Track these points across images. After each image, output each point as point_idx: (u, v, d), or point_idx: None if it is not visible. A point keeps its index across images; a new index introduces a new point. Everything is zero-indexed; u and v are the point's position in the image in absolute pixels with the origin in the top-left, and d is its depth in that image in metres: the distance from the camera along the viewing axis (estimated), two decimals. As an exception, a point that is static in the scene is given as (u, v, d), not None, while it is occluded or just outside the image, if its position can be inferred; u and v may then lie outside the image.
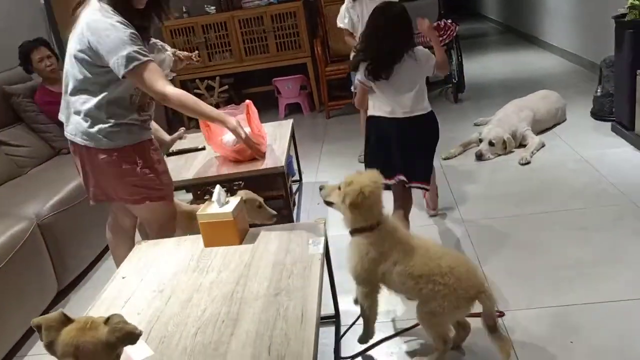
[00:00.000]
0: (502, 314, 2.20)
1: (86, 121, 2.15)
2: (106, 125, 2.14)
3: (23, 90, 3.74)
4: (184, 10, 5.71)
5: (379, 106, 2.71)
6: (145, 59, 2.02)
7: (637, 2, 3.48)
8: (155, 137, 2.44)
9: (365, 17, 3.66)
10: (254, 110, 3.05)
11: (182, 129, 3.65)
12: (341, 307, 2.36)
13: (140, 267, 2.03)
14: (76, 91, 2.15)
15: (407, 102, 2.66)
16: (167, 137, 3.50)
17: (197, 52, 2.83)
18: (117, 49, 1.98)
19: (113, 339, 1.21)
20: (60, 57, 4.19)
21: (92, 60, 2.06)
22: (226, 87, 5.78)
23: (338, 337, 2.22)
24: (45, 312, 2.67)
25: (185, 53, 2.73)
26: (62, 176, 3.18)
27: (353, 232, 1.94)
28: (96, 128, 2.14)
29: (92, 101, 2.13)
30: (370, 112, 2.77)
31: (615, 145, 3.71)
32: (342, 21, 3.89)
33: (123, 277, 1.97)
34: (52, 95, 3.76)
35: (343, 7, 3.90)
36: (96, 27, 2.01)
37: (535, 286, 2.36)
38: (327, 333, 2.24)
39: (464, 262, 1.87)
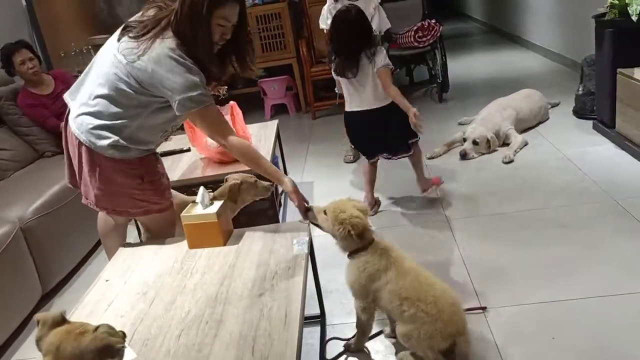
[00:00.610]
0: (484, 308, 2.22)
1: (99, 130, 2.02)
2: (121, 142, 2.03)
3: (5, 93, 3.71)
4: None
5: (349, 101, 3.14)
6: (210, 101, 1.99)
7: (616, 2, 3.53)
8: None
9: None
10: (238, 111, 3.05)
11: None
12: (326, 307, 2.37)
13: (124, 270, 2.02)
14: (107, 97, 2.01)
15: (369, 99, 3.05)
16: None
17: (226, 87, 2.84)
18: (188, 89, 1.92)
19: (91, 348, 1.22)
20: (42, 59, 4.17)
21: (140, 83, 1.97)
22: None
23: (323, 337, 2.23)
24: (29, 316, 2.65)
25: (213, 84, 2.72)
26: (45, 179, 3.16)
27: (350, 255, 1.99)
28: (108, 140, 2.02)
29: (121, 118, 2.02)
30: (346, 108, 3.19)
31: (597, 143, 3.75)
32: (324, 22, 3.87)
33: (106, 280, 1.96)
34: (35, 97, 3.74)
35: (325, 8, 3.88)
36: (170, 63, 1.92)
37: (517, 283, 2.39)
38: (313, 333, 2.25)
39: (450, 298, 1.89)
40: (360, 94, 3.05)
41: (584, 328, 2.05)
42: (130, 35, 2.00)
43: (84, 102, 2.07)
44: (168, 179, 2.32)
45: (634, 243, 2.53)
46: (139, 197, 2.14)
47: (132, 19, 2.08)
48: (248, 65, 2.23)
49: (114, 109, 2.02)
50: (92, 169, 2.09)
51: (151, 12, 2.04)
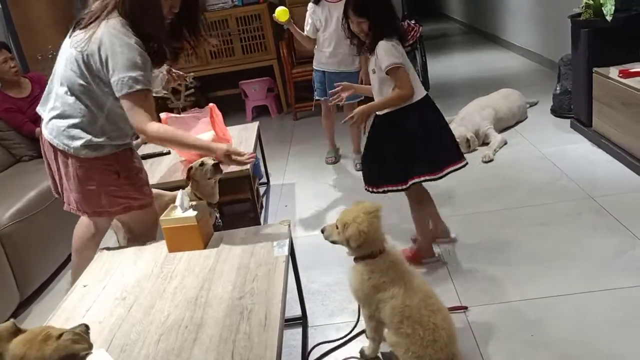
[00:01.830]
0: (465, 308, 2.24)
1: (71, 129, 2.04)
2: (94, 140, 2.04)
3: (-20, 97, 3.65)
4: (147, 13, 5.63)
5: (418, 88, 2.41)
6: (148, 88, 1.96)
7: (591, 2, 3.58)
8: None
9: (330, 21, 3.67)
10: (217, 113, 3.04)
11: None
12: (308, 309, 2.37)
13: (102, 275, 2.00)
14: (69, 95, 2.03)
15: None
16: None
17: (192, 74, 2.80)
18: (127, 68, 1.91)
19: (55, 357, 1.20)
20: (19, 62, 4.11)
21: (96, 69, 1.97)
22: (192, 90, 5.73)
23: (305, 339, 2.23)
24: (7, 323, 2.61)
25: (180, 73, 2.68)
26: (22, 184, 3.12)
27: (356, 259, 1.93)
28: (81, 140, 2.03)
29: (87, 113, 2.03)
30: (415, 98, 2.39)
31: (575, 141, 3.80)
32: (305, 27, 3.82)
33: (84, 286, 1.94)
34: (11, 101, 3.68)
35: (307, 13, 3.83)
36: (112, 41, 1.92)
37: (497, 281, 2.41)
38: (295, 335, 2.25)
39: (449, 327, 1.87)
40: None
41: (562, 325, 2.08)
42: (80, 27, 2.01)
43: (52, 107, 2.09)
44: (146, 174, 2.31)
45: (611, 240, 2.57)
46: (117, 193, 2.14)
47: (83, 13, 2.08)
48: (203, 38, 2.21)
49: (79, 105, 2.02)
50: (69, 173, 2.10)
51: (97, 3, 2.04)
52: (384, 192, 2.48)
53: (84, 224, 2.37)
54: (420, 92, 2.42)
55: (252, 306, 1.66)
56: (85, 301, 1.85)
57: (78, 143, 2.03)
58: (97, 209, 2.16)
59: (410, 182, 2.42)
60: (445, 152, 2.48)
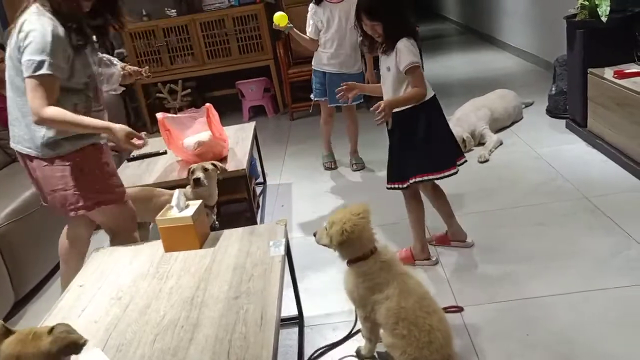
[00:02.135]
0: (461, 309, 2.24)
1: (28, 129, 2.11)
2: (50, 134, 2.10)
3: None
4: (144, 13, 5.63)
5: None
6: (55, 74, 1.99)
7: (586, 3, 3.60)
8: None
9: (332, 21, 3.65)
10: (214, 113, 3.04)
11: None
12: (304, 308, 2.37)
13: (98, 275, 2.00)
14: (17, 98, 2.10)
15: None
16: None
17: (147, 67, 2.80)
18: (35, 51, 1.95)
19: (55, 349, 1.20)
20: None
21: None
22: (189, 90, 5.73)
23: (301, 339, 2.23)
24: (2, 324, 2.60)
25: (135, 68, 2.69)
26: (17, 184, 3.11)
27: (349, 263, 1.93)
28: (39, 137, 2.10)
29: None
30: (427, 97, 2.43)
31: (570, 141, 3.82)
32: (307, 29, 3.80)
33: (80, 286, 1.94)
34: (2, 100, 3.67)
35: (308, 14, 3.78)
36: (28, 25, 1.98)
37: (493, 281, 2.42)
38: (291, 334, 2.25)
39: (444, 328, 1.87)
40: None
41: (557, 324, 2.09)
42: (12, 29, 2.08)
43: (13, 117, 2.17)
44: (114, 168, 2.34)
45: (606, 240, 2.58)
46: (85, 189, 2.18)
47: None
48: (125, 19, 2.26)
49: (27, 107, 2.04)
50: (38, 176, 2.19)
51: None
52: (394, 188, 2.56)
53: (64, 233, 2.42)
54: (430, 92, 2.46)
55: (248, 306, 1.66)
56: (81, 301, 1.85)
57: (38, 142, 2.10)
58: (70, 206, 2.19)
59: (411, 181, 2.46)
60: (449, 152, 2.55)
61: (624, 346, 1.93)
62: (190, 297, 1.76)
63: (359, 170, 3.95)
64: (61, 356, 1.23)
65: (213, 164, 2.67)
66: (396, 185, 2.54)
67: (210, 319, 1.63)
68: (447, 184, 2.92)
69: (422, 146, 2.46)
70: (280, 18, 3.48)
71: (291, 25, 3.55)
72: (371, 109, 2.32)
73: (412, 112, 2.42)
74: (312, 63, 3.84)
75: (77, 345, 1.25)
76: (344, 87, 2.62)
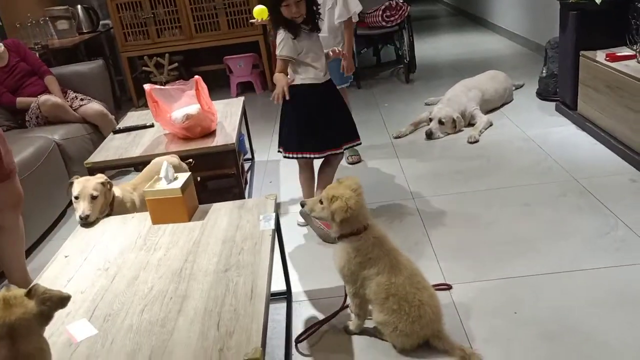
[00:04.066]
0: (449, 287, 2.25)
1: None
2: None
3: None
4: (131, -17, 5.50)
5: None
6: None
7: (581, -15, 3.57)
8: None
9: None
10: (203, 86, 2.98)
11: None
12: (292, 284, 2.36)
13: (84, 246, 1.96)
14: None
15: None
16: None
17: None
18: None
19: (46, 309, 1.17)
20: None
21: None
22: (176, 64, 5.64)
23: (289, 314, 2.22)
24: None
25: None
26: None
27: (340, 237, 1.91)
28: None
29: None
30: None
31: (559, 124, 3.83)
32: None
33: (66, 256, 1.90)
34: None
35: None
36: None
37: (481, 260, 2.42)
38: (279, 309, 2.24)
39: (434, 304, 1.88)
40: None
41: (545, 303, 2.10)
42: None
43: None
44: (7, 145, 2.30)
45: (594, 221, 2.60)
46: None
47: None
48: None
49: None
50: None
51: None
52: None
53: None
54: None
55: (237, 279, 1.64)
56: (66, 271, 1.81)
57: None
58: None
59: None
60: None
61: (609, 325, 1.95)
62: (179, 269, 1.74)
63: (354, 163, 3.67)
64: (53, 314, 1.20)
65: (102, 184, 2.20)
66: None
67: (200, 291, 1.61)
68: (435, 164, 2.92)
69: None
70: (260, 12, 3.39)
71: None
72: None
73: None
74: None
75: (64, 300, 1.23)
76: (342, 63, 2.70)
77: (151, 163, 2.59)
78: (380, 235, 1.90)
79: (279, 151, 2.79)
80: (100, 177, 2.22)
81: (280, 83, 2.49)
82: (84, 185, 2.15)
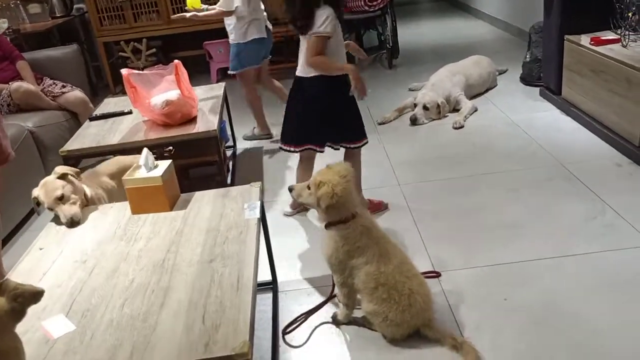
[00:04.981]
0: (438, 275, 2.21)
1: None
2: None
3: None
4: (106, -35, 5.33)
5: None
6: None
7: (565, -32, 3.54)
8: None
9: None
10: (183, 70, 2.88)
11: None
12: (278, 273, 2.30)
13: (60, 238, 1.87)
14: None
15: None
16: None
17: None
18: None
19: (18, 306, 1.10)
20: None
21: None
22: (154, 50, 5.50)
23: (275, 304, 2.17)
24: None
25: None
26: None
27: (328, 226, 1.85)
28: None
29: None
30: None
31: (544, 109, 3.81)
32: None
33: (40, 249, 1.82)
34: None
35: None
36: None
37: (470, 246, 2.39)
38: (265, 300, 2.18)
39: (424, 292, 1.84)
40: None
41: (534, 289, 2.08)
42: None
43: None
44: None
45: (581, 206, 2.58)
46: None
47: None
48: None
49: None
50: None
51: None
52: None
53: None
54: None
55: (223, 269, 1.58)
56: (41, 264, 1.73)
57: None
58: None
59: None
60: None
61: (599, 310, 1.93)
62: (161, 261, 1.66)
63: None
64: (26, 310, 1.13)
65: (62, 176, 2.03)
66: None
67: (183, 283, 1.54)
68: (420, 150, 2.88)
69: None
70: (193, 1, 3.35)
71: (206, 6, 3.45)
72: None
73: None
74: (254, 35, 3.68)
75: (38, 295, 1.15)
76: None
77: (107, 162, 2.49)
78: (369, 223, 1.85)
79: (282, 148, 2.64)
80: (60, 170, 2.04)
81: (356, 73, 2.35)
82: (45, 190, 1.98)
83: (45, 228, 1.97)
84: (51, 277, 1.65)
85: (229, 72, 3.85)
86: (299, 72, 2.49)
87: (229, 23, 3.66)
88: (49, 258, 1.76)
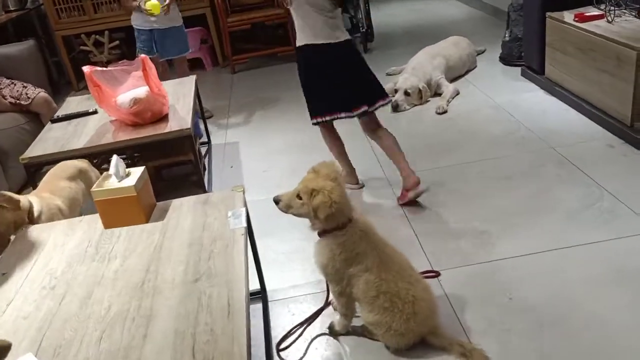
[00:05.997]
0: (438, 274, 2.09)
1: None
2: None
3: None
4: (62, -46, 5.02)
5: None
6: None
7: (545, -57, 3.42)
8: None
9: None
10: (151, 65, 2.68)
11: None
12: (266, 281, 2.15)
13: (24, 260, 1.68)
14: None
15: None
16: None
17: None
18: None
19: None
20: None
21: None
22: (117, 42, 5.22)
23: (266, 315, 2.02)
24: None
25: None
26: None
27: (322, 234, 1.70)
28: None
29: None
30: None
31: (527, 89, 3.71)
32: None
33: (3, 274, 1.62)
34: None
35: None
36: None
37: (466, 241, 2.27)
38: (255, 311, 2.03)
39: (429, 298, 1.72)
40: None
41: (539, 285, 1.96)
42: None
43: None
44: None
45: (577, 192, 2.48)
46: None
47: None
48: None
49: None
50: None
51: None
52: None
53: None
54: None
55: (211, 290, 1.42)
56: (5, 292, 1.54)
57: None
58: None
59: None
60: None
61: (609, 304, 1.83)
62: (140, 282, 1.49)
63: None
64: None
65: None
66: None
67: (167, 309, 1.38)
68: (404, 138, 2.75)
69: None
70: (154, 6, 3.42)
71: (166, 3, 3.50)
72: None
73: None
74: (134, 22, 3.84)
75: (3, 351, 0.99)
76: None
77: (56, 166, 2.28)
78: (367, 227, 1.71)
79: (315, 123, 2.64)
80: None
81: None
82: None
83: (8, 248, 1.77)
84: (16, 308, 1.47)
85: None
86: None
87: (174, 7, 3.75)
88: (13, 284, 1.57)
